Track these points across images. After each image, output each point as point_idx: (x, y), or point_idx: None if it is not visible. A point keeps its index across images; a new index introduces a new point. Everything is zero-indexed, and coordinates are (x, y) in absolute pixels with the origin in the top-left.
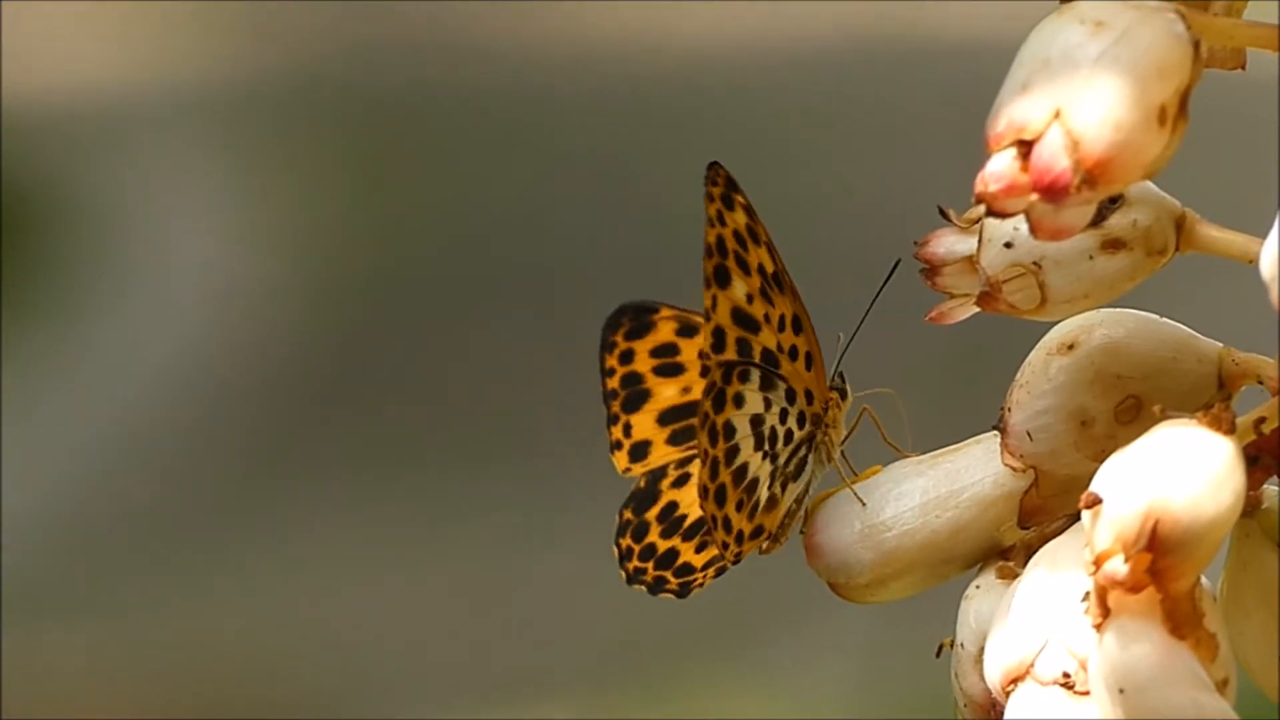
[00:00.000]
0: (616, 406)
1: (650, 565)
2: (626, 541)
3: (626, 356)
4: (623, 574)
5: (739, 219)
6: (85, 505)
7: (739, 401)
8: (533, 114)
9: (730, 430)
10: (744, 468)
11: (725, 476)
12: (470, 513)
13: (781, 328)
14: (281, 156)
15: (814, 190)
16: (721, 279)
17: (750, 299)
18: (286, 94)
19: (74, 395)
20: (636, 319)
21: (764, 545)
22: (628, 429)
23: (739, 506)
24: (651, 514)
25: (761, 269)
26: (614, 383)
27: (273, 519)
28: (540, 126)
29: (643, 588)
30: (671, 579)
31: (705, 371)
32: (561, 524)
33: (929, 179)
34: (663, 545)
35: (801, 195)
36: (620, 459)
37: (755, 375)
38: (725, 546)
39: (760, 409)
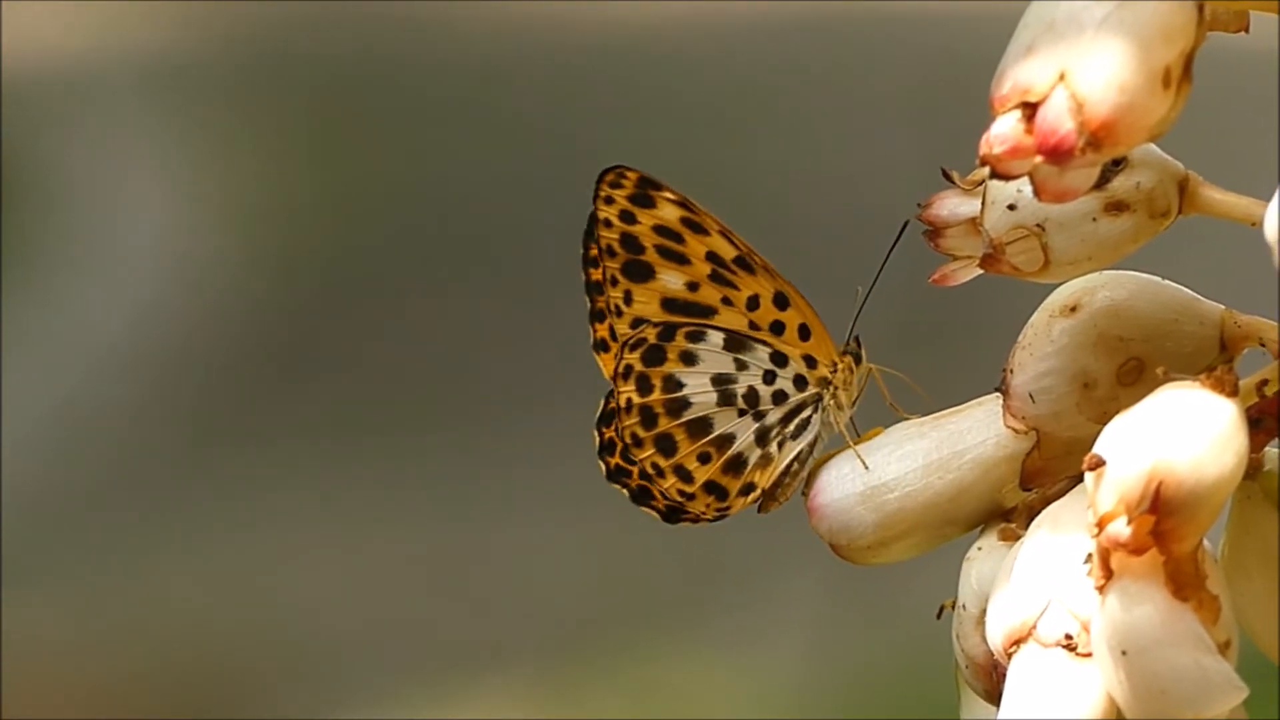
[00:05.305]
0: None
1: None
2: (609, 433)
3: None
4: (602, 467)
5: (665, 214)
6: (38, 474)
7: (688, 359)
8: (486, 87)
9: (675, 384)
10: (704, 421)
11: (668, 426)
12: (422, 484)
13: (753, 306)
14: (235, 127)
15: (764, 160)
16: (638, 274)
17: (694, 287)
18: (241, 64)
19: (26, 365)
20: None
21: (761, 504)
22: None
23: (703, 459)
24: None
25: (714, 256)
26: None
27: (225, 488)
28: (493, 99)
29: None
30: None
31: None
32: (513, 495)
33: (881, 148)
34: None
35: (752, 165)
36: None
37: (714, 337)
38: (688, 497)
39: (728, 369)
